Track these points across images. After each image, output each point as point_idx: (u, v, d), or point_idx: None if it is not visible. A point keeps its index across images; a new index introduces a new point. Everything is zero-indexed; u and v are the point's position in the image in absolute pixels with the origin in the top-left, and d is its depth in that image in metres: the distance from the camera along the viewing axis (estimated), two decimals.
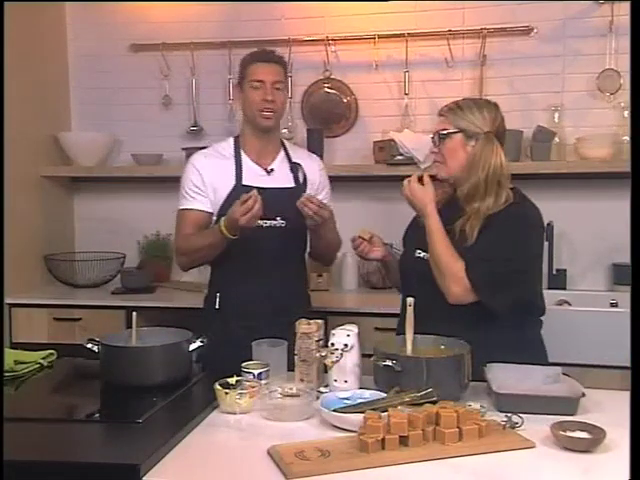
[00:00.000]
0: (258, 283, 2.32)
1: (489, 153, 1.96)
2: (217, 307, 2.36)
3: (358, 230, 2.17)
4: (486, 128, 1.98)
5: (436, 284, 1.91)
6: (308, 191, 2.36)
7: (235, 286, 2.33)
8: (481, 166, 1.94)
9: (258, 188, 2.20)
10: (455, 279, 1.86)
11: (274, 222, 2.29)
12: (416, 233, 2.05)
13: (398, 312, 2.08)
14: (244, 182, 2.31)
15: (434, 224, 1.93)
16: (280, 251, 2.33)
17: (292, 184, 2.39)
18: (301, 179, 2.42)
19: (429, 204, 1.96)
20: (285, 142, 2.49)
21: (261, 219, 2.19)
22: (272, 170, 2.37)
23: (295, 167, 2.41)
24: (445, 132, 1.99)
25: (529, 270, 1.99)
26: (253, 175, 2.34)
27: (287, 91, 2.42)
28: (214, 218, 2.32)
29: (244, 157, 2.36)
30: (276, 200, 2.26)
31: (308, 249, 2.48)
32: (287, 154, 2.44)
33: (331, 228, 2.35)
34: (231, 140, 2.42)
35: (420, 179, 2.02)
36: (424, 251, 2.00)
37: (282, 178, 2.38)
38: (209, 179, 2.32)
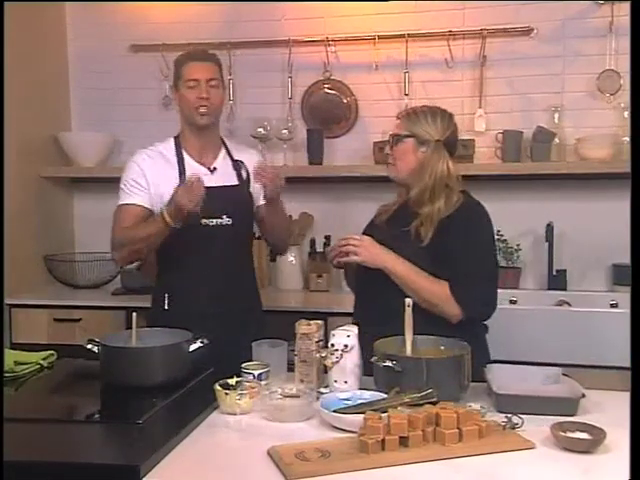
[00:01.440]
0: (208, 283, 2.32)
1: (436, 161, 2.03)
2: (166, 308, 2.33)
3: (341, 240, 2.06)
4: (437, 136, 2.04)
5: (387, 283, 1.95)
6: (252, 186, 2.39)
7: (184, 286, 2.32)
8: (428, 172, 2.02)
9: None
10: (449, 302, 1.94)
11: (220, 220, 2.29)
12: (374, 233, 2.07)
13: None
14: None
15: (401, 268, 1.96)
16: (228, 249, 2.33)
17: (236, 182, 2.39)
18: (244, 176, 2.41)
19: (385, 254, 1.97)
20: (225, 139, 2.48)
21: (207, 218, 2.21)
22: (215, 169, 2.37)
23: (237, 164, 2.41)
24: (398, 135, 2.08)
25: (493, 270, 2.06)
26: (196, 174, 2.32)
27: (224, 90, 2.42)
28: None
29: (186, 157, 2.36)
30: (221, 198, 2.28)
31: (260, 235, 2.50)
32: (228, 152, 2.44)
33: (281, 209, 2.39)
34: (171, 141, 2.41)
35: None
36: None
37: (225, 176, 2.38)
38: (152, 179, 2.31)
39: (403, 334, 1.80)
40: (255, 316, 2.42)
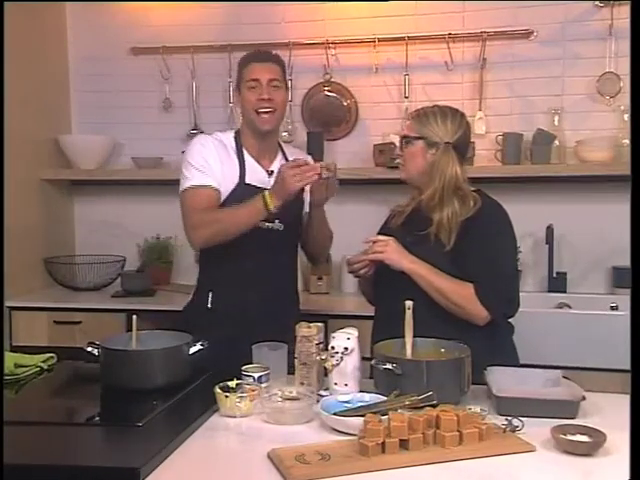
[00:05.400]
0: (253, 284, 2.29)
1: (445, 164, 1.99)
2: (209, 306, 2.31)
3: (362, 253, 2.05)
4: (446, 139, 2.01)
5: (410, 288, 1.92)
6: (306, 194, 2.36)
7: (229, 286, 2.30)
8: (437, 176, 1.99)
9: (260, 188, 2.21)
10: (474, 304, 1.91)
11: (273, 225, 2.27)
12: (388, 235, 2.05)
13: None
14: (247, 181, 2.29)
15: (422, 269, 1.94)
16: (276, 254, 2.31)
17: None
18: None
19: (409, 256, 1.95)
20: (282, 143, 2.47)
21: (261, 220, 2.16)
22: (272, 172, 2.33)
23: None
24: (407, 137, 2.06)
25: (515, 268, 2.05)
26: (255, 175, 2.31)
27: (287, 91, 2.37)
28: None
29: (246, 155, 2.33)
30: None
31: (301, 247, 2.46)
32: (285, 156, 2.42)
33: (324, 218, 2.36)
34: (232, 134, 2.37)
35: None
36: None
37: None
38: (215, 165, 2.26)
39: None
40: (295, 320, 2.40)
